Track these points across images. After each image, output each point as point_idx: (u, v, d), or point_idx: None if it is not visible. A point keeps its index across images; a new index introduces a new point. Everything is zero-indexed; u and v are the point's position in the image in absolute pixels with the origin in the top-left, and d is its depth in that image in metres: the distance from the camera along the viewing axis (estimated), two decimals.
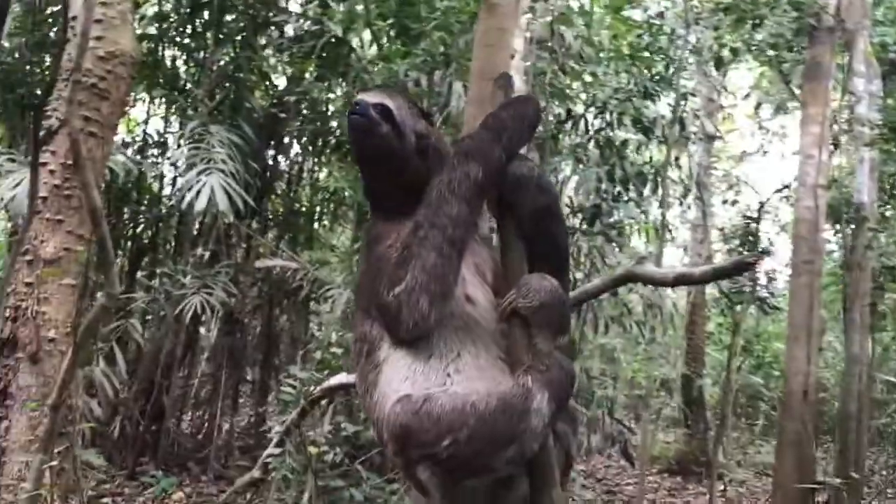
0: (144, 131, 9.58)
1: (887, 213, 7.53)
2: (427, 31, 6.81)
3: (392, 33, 7.98)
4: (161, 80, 9.03)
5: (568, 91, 8.55)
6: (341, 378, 4.55)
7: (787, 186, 11.05)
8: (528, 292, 1.81)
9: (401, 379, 1.78)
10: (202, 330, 8.97)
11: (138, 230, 9.51)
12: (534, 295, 1.80)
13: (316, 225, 10.92)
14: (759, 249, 9.89)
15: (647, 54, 7.58)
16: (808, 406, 6.94)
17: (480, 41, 3.58)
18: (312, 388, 4.61)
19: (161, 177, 9.68)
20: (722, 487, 9.73)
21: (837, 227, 8.51)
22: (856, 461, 7.08)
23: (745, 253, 9.83)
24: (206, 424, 9.54)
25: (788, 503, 6.77)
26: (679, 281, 3.25)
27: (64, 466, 4.42)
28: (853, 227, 6.99)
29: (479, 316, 1.91)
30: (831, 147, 7.78)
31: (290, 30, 9.02)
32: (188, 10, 8.78)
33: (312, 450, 5.13)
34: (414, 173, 1.97)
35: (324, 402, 5.28)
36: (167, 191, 9.61)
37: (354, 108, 1.96)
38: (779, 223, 15.05)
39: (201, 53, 9.24)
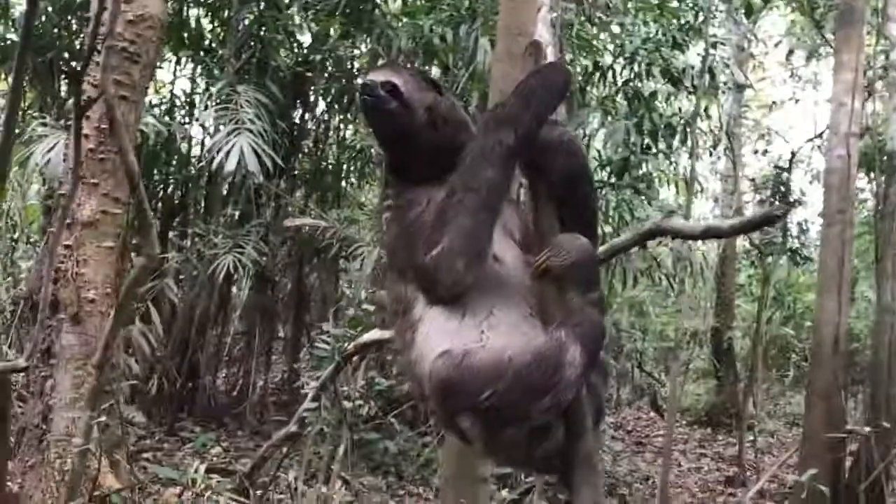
0: (171, 92, 9.62)
1: None
2: None
3: None
4: (187, 41, 9.05)
5: (595, 42, 8.47)
6: (374, 334, 4.62)
7: (819, 135, 10.91)
8: (560, 251, 1.88)
9: (439, 336, 1.85)
10: (234, 289, 9.10)
11: (168, 191, 9.60)
12: (566, 254, 1.87)
13: (343, 183, 10.97)
14: (790, 200, 9.82)
15: (675, 3, 7.45)
16: (838, 356, 6.92)
17: None
18: (346, 344, 4.69)
19: (189, 138, 9.75)
20: (752, 438, 9.79)
21: (871, 175, 8.42)
22: (887, 409, 7.08)
23: (777, 203, 9.78)
24: (241, 381, 9.73)
25: (818, 453, 6.79)
26: (707, 234, 3.26)
27: (108, 423, 4.56)
28: (886, 175, 6.89)
29: (507, 274, 1.98)
30: (865, 94, 7.65)
31: None
32: None
33: (347, 404, 5.24)
34: (429, 144, 2.04)
35: (356, 358, 5.39)
36: (195, 151, 9.69)
37: (364, 88, 2.02)
38: (811, 173, 14.87)
39: (226, 13, 9.27)
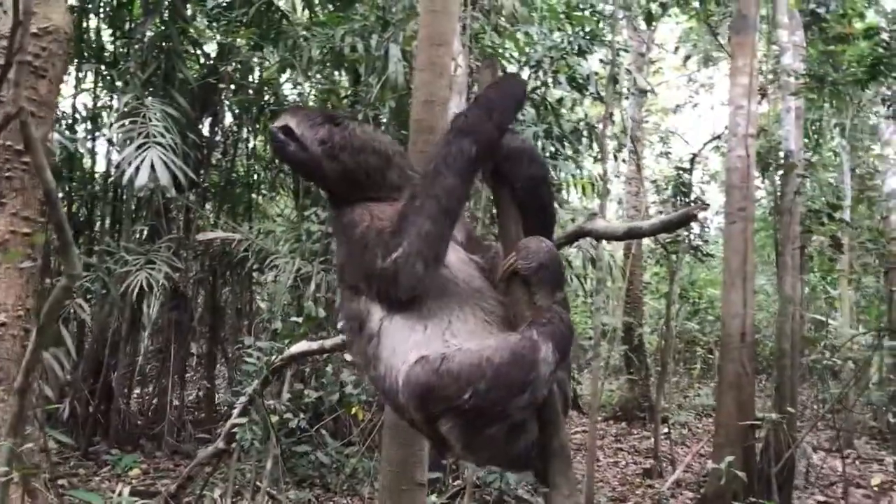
0: (73, 106, 9.34)
1: (813, 160, 7.81)
2: None
3: None
4: (87, 53, 8.80)
5: (501, 51, 8.62)
6: (301, 346, 4.61)
7: (718, 137, 11.38)
8: (527, 254, 1.97)
9: (406, 347, 1.92)
10: (147, 306, 8.88)
11: (73, 208, 9.31)
12: (533, 256, 1.96)
13: (254, 195, 10.85)
14: (692, 199, 10.21)
15: (580, 12, 7.66)
16: (745, 348, 7.23)
17: (427, 6, 3.62)
18: (274, 357, 4.66)
19: (93, 153, 9.47)
20: (666, 430, 10.11)
21: (766, 174, 8.82)
22: (791, 396, 7.43)
23: (679, 203, 10.16)
24: (156, 400, 9.50)
25: (730, 440, 7.07)
26: (629, 235, 3.40)
27: (31, 449, 4.39)
28: (782, 174, 7.24)
29: (455, 278, 2.07)
30: (759, 97, 8.03)
31: None
32: None
33: (274, 417, 5.19)
34: (333, 172, 2.16)
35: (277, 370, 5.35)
36: (100, 167, 9.43)
37: (269, 135, 2.23)
38: (708, 173, 15.50)
39: (127, 25, 9.06)
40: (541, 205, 2.12)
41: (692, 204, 10.19)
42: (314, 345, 4.48)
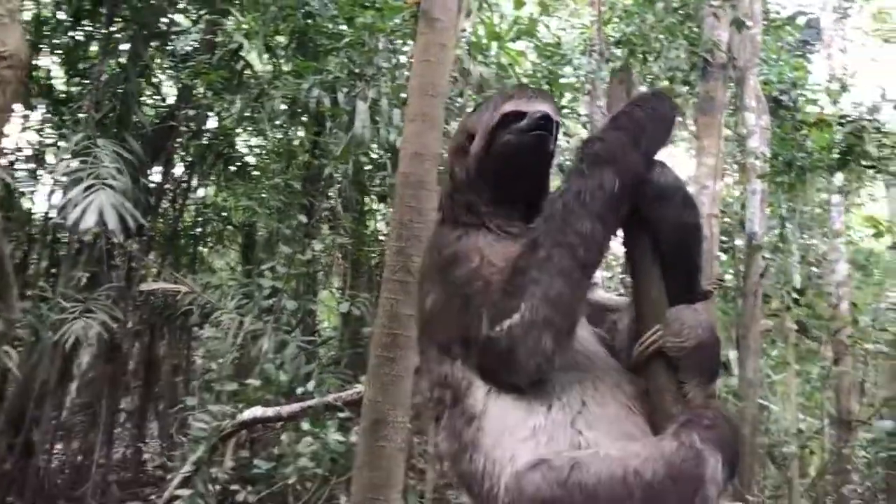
0: (17, 143, 8.91)
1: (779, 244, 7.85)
2: (336, 49, 6.60)
3: (290, 49, 7.73)
4: (37, 90, 8.45)
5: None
6: (256, 411, 4.27)
7: None
8: (680, 329, 1.52)
9: (519, 438, 1.44)
10: (82, 357, 8.38)
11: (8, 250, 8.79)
12: (689, 332, 1.52)
13: (200, 247, 10.48)
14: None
15: (563, 81, 7.61)
16: None
17: (420, 56, 3.46)
18: (223, 422, 4.30)
19: (33, 192, 9.02)
20: None
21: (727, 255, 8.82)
22: (748, 483, 7.27)
23: None
24: (81, 458, 8.90)
25: None
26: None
27: None
28: (746, 255, 7.22)
29: (586, 350, 1.62)
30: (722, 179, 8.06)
31: (181, 44, 8.67)
32: (71, 18, 8.26)
33: (212, 487, 4.80)
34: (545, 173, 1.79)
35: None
36: (40, 207, 8.97)
37: (539, 122, 1.70)
38: None
39: (81, 65, 8.74)
40: (692, 262, 1.64)
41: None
42: (270, 411, 4.15)
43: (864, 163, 6.10)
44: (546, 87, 6.97)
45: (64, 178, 7.17)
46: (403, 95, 6.83)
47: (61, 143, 8.49)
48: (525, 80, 7.04)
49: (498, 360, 1.47)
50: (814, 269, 9.89)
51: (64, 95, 8.85)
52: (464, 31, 6.59)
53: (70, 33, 8.43)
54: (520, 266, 1.49)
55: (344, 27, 7.19)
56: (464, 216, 1.74)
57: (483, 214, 1.75)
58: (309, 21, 6.89)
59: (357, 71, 6.59)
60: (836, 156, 6.06)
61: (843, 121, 6.23)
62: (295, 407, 4.16)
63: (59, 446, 9.49)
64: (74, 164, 6.80)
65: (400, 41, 7.19)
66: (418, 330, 1.78)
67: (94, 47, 8.64)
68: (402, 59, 7.16)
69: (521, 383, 1.47)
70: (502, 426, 1.46)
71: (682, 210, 1.60)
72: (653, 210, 1.59)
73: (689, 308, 1.57)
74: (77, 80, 8.80)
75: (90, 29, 8.50)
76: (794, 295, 6.94)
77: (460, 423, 1.52)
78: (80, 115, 7.81)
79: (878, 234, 10.28)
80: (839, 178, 8.25)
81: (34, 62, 8.47)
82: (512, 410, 1.48)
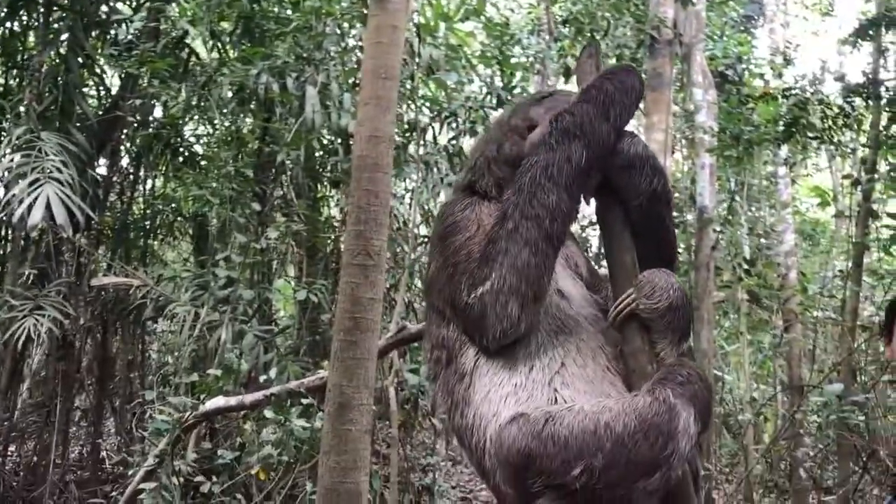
0: None
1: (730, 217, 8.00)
2: (283, 33, 6.52)
3: (235, 35, 7.63)
4: None
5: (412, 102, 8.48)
6: (218, 402, 4.23)
7: None
8: (652, 292, 1.59)
9: (502, 395, 1.53)
10: (33, 356, 8.21)
11: None
12: (660, 294, 1.59)
13: (150, 239, 10.29)
14: None
15: (514, 60, 7.61)
16: None
17: (371, 39, 3.43)
18: (185, 414, 4.25)
19: None
20: None
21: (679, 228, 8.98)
22: (707, 453, 7.40)
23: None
24: (37, 459, 8.73)
25: None
26: None
27: None
28: (697, 229, 7.34)
29: (577, 314, 1.69)
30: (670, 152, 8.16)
31: (123, 32, 8.48)
32: (6, 8, 8.03)
33: (175, 481, 4.74)
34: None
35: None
36: None
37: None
38: None
39: (19, 56, 8.51)
40: (662, 229, 1.71)
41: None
42: (232, 401, 4.11)
43: (808, 134, 6.23)
44: (496, 66, 6.99)
45: (7, 174, 6.99)
46: (353, 80, 6.79)
47: (2, 138, 8.30)
48: (475, 62, 7.05)
49: (473, 325, 1.56)
50: (763, 240, 10.10)
51: (2, 88, 8.62)
52: (413, 12, 6.55)
53: (6, 24, 8.20)
54: (492, 237, 1.56)
55: (290, 11, 7.13)
56: (490, 186, 1.80)
57: (505, 191, 1.77)
58: (255, 6, 6.80)
59: (306, 56, 6.51)
60: (782, 128, 6.18)
61: (787, 94, 6.36)
62: (258, 395, 4.14)
63: (12, 448, 9.32)
64: (17, 158, 6.61)
65: (348, 25, 7.15)
66: (424, 294, 1.88)
67: (32, 38, 8.43)
68: (352, 42, 7.11)
69: (491, 346, 1.55)
70: (489, 384, 1.56)
71: (651, 178, 1.65)
72: (622, 179, 1.65)
73: (661, 271, 1.63)
74: (15, 72, 8.56)
75: (27, 19, 8.31)
76: (745, 266, 7.10)
77: (453, 380, 1.61)
78: (21, 108, 7.62)
79: (823, 204, 10.52)
80: (785, 150, 8.40)
81: None
82: (499, 370, 1.57)
